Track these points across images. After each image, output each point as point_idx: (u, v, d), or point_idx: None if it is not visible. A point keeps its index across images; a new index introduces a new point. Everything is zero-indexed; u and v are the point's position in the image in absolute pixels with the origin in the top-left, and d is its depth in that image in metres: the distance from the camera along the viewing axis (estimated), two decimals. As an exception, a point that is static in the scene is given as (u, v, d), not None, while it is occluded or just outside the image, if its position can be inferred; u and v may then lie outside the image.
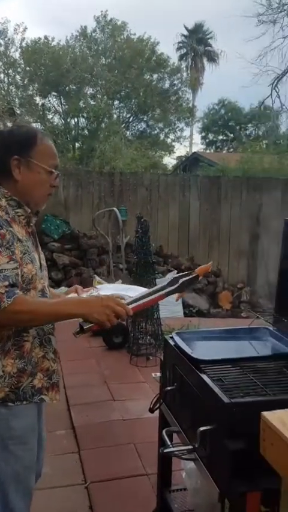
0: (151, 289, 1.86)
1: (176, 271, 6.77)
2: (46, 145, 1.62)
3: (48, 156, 1.62)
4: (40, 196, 1.66)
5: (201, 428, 1.62)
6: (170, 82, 21.12)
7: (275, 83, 12.81)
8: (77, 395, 3.82)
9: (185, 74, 22.82)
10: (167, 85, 20.79)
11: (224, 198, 7.67)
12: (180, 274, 1.91)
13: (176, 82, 21.27)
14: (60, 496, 2.55)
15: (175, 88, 21.29)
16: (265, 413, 1.26)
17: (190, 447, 1.61)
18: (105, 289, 2.71)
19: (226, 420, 1.53)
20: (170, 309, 6.25)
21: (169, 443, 1.86)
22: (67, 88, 18.56)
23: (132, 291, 2.69)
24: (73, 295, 1.97)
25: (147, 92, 19.31)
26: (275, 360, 1.87)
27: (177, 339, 2.05)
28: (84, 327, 1.59)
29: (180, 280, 1.86)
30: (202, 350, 2.03)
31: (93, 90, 19.91)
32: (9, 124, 18.97)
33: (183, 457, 1.64)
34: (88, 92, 19.63)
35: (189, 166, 17.93)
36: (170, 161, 23.61)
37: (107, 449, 2.97)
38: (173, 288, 1.84)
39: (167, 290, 1.82)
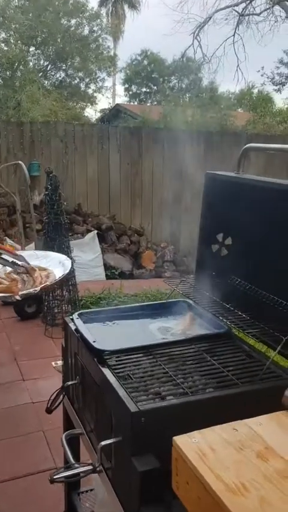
0: None
1: (96, 231, 6.35)
2: None
3: None
4: None
5: (103, 443, 1.28)
6: (89, 28, 19.98)
7: (197, 32, 12.31)
8: (-18, 377, 3.38)
9: (105, 20, 21.64)
10: (86, 31, 19.61)
11: (145, 151, 7.24)
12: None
13: (95, 28, 20.12)
14: None
15: (95, 34, 20.17)
16: (178, 440, 0.92)
17: (89, 468, 1.26)
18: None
19: (133, 434, 1.19)
20: (90, 271, 5.87)
21: (68, 452, 1.50)
22: (-23, 32, 16.88)
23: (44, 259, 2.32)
24: None
25: (65, 39, 18.08)
26: (195, 343, 1.55)
27: (78, 322, 1.67)
28: None
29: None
30: (109, 336, 1.67)
31: (5, 34, 18.32)
32: None
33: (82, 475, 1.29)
34: (1, 37, 18.05)
35: (112, 119, 17.21)
36: (93, 114, 22.62)
37: (12, 440, 2.60)
38: None
39: None
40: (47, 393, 3.11)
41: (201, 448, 0.89)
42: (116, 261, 6.25)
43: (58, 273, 2.11)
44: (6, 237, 6.02)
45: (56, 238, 3.95)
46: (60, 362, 1.90)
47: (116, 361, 1.43)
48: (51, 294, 4.12)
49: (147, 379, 1.36)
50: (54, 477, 1.19)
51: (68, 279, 4.25)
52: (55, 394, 1.67)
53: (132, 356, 1.47)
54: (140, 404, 1.20)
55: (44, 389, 3.15)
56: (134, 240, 6.78)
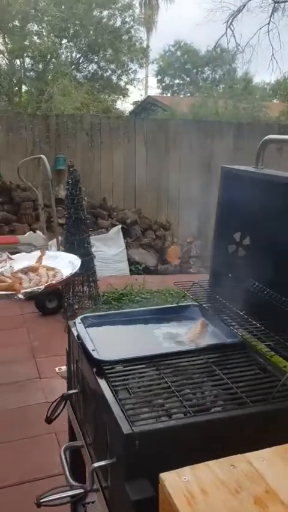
0: None
1: (121, 225, 6.25)
2: None
3: None
4: None
5: (95, 465, 1.17)
6: (122, 19, 19.80)
7: (230, 20, 11.96)
8: (-1, 374, 3.35)
9: (137, 11, 21.43)
10: (118, 22, 19.45)
11: (172, 144, 7.06)
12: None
13: (128, 19, 19.94)
14: None
15: (127, 26, 20.00)
16: (166, 478, 0.80)
17: (79, 491, 1.15)
18: (21, 259, 2.21)
19: (126, 457, 1.07)
20: (114, 266, 5.78)
21: (66, 467, 1.41)
22: (10, 25, 16.95)
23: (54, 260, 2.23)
24: None
25: (98, 30, 17.98)
26: (204, 353, 1.42)
27: (80, 327, 1.56)
28: None
29: None
30: (111, 343, 1.56)
31: (38, 27, 18.39)
32: None
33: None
34: (34, 30, 18.12)
35: (143, 111, 17.04)
36: (126, 106, 22.50)
37: (22, 442, 2.54)
38: None
39: None
40: (62, 392, 3.03)
41: (190, 490, 0.77)
42: (141, 256, 6.14)
43: (66, 272, 2.01)
44: (31, 231, 6.00)
45: (76, 234, 3.86)
46: (64, 368, 1.81)
47: (115, 372, 1.32)
48: (71, 290, 4.05)
49: (147, 395, 1.24)
50: (41, 500, 1.09)
51: (89, 275, 4.18)
52: (55, 403, 1.57)
53: (133, 367, 1.35)
54: (135, 425, 1.08)
55: (60, 388, 3.06)
56: (160, 234, 6.64)
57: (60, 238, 4.81)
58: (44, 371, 3.36)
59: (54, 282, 1.77)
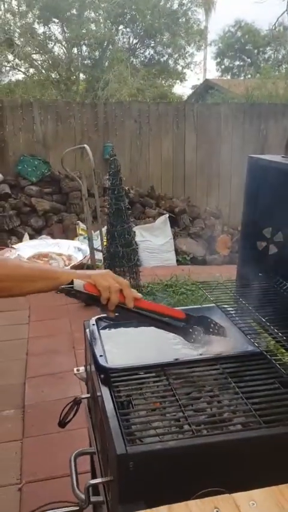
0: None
1: (168, 214, 6.12)
2: None
3: None
4: None
5: (91, 481, 1.10)
6: (179, 1, 19.39)
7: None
8: (38, 364, 3.39)
9: (195, -9, 20.87)
10: (175, 5, 19.05)
11: (224, 129, 6.81)
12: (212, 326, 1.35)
13: (185, 1, 19.50)
14: (-16, 502, 2.14)
15: (184, 8, 19.56)
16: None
17: (74, 508, 1.09)
18: (24, 248, 2.17)
19: (119, 478, 0.99)
20: (161, 256, 5.69)
21: (73, 475, 1.35)
22: (68, 14, 17.09)
23: (55, 246, 2.13)
24: None
25: (154, 14, 17.70)
26: (220, 362, 1.30)
27: (93, 330, 1.49)
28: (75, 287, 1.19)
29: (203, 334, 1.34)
30: (123, 347, 1.47)
31: (95, 14, 18.39)
32: (9, 56, 17.80)
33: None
34: (90, 17, 18.14)
35: (200, 96, 16.64)
36: (183, 91, 22.10)
37: (53, 436, 2.53)
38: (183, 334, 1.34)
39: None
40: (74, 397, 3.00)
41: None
42: (188, 246, 5.99)
43: (78, 256, 1.90)
44: (79, 221, 6.03)
45: (117, 224, 3.80)
46: (82, 369, 1.75)
47: (121, 381, 1.24)
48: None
49: (150, 409, 1.15)
50: (33, 517, 1.03)
51: (132, 266, 4.12)
52: (69, 406, 1.52)
53: (141, 376, 1.26)
54: (130, 445, 1.00)
55: (96, 382, 3.05)
56: (209, 223, 6.45)
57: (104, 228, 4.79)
58: (83, 363, 3.36)
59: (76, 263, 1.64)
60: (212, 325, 1.34)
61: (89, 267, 4.06)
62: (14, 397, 2.97)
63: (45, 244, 1.89)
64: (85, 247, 1.78)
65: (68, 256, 1.67)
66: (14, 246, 1.97)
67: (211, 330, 1.33)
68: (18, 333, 3.88)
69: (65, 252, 1.75)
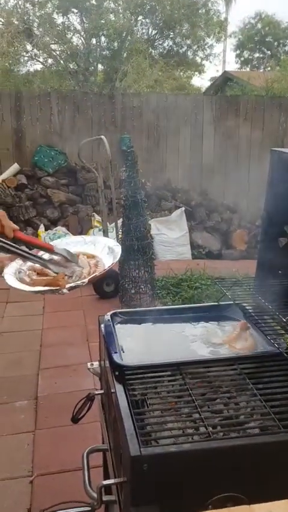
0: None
1: (184, 208, 6.06)
2: None
3: None
4: None
5: (104, 482, 1.07)
6: (200, -9, 19.09)
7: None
8: (52, 356, 3.39)
9: (216, -18, 20.56)
10: (195, -5, 18.79)
11: (243, 121, 6.70)
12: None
13: (206, -9, 19.21)
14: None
15: (204, -2, 19.25)
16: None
17: (86, 509, 1.07)
18: (62, 245, 2.12)
19: (133, 481, 0.97)
20: (176, 250, 5.64)
21: (85, 471, 1.33)
22: (87, 4, 16.99)
23: (91, 245, 2.11)
24: None
25: (174, 5, 17.50)
26: (238, 362, 1.27)
27: (107, 325, 1.47)
28: None
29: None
30: (139, 344, 1.45)
31: (114, 4, 18.25)
32: (28, 47, 17.81)
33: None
34: (110, 7, 18.02)
35: (219, 88, 16.44)
36: (202, 83, 21.88)
37: (65, 429, 2.52)
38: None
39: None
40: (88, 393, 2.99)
41: None
42: (204, 240, 5.93)
43: (107, 261, 1.85)
44: (94, 213, 6.01)
45: (132, 217, 3.77)
46: (96, 364, 1.73)
47: (136, 379, 1.21)
48: (126, 275, 3.99)
49: (165, 409, 1.12)
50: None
51: (147, 260, 4.08)
52: (82, 402, 1.50)
53: (157, 375, 1.23)
54: (144, 447, 0.97)
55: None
56: (226, 217, 6.37)
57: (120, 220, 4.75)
58: (96, 356, 3.34)
59: (97, 274, 1.57)
60: (70, 254, 1.46)
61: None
62: (27, 388, 2.98)
63: (82, 242, 1.80)
64: (118, 249, 1.69)
65: (96, 263, 1.60)
66: (42, 256, 1.91)
67: (69, 258, 1.45)
68: (32, 324, 3.88)
69: (99, 253, 1.67)
